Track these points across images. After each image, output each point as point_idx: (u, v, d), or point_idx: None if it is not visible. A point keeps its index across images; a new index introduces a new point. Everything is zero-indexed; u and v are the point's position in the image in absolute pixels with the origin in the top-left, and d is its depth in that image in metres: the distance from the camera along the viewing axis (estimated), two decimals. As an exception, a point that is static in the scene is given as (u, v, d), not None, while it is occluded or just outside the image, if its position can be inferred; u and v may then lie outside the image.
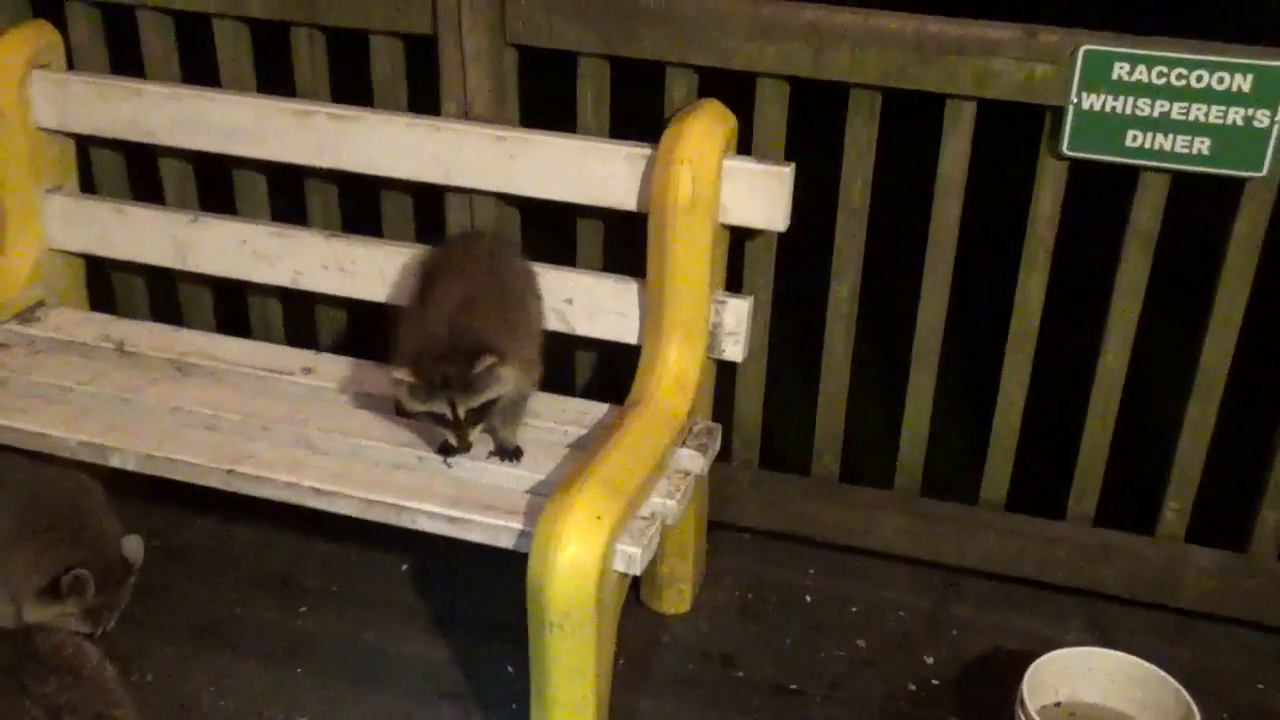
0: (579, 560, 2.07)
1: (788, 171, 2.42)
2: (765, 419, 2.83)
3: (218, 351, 2.74)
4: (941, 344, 2.65)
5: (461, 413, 2.25)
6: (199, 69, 2.84)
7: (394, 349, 2.33)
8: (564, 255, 2.70)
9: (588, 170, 2.53)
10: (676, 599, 2.75)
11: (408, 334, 2.32)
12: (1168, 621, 2.70)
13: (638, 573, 2.19)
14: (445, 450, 2.40)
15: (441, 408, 2.25)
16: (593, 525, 2.09)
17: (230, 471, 2.38)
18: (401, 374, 2.24)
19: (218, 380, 2.66)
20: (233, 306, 3.04)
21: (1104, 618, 2.72)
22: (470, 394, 2.24)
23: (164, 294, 3.07)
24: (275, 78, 2.80)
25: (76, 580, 2.46)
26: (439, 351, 2.24)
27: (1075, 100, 2.35)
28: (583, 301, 2.58)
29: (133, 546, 2.61)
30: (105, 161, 2.95)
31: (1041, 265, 2.52)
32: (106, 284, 3.05)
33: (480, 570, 2.81)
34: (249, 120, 2.67)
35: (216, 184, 2.92)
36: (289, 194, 2.89)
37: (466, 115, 2.64)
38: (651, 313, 2.49)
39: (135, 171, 2.99)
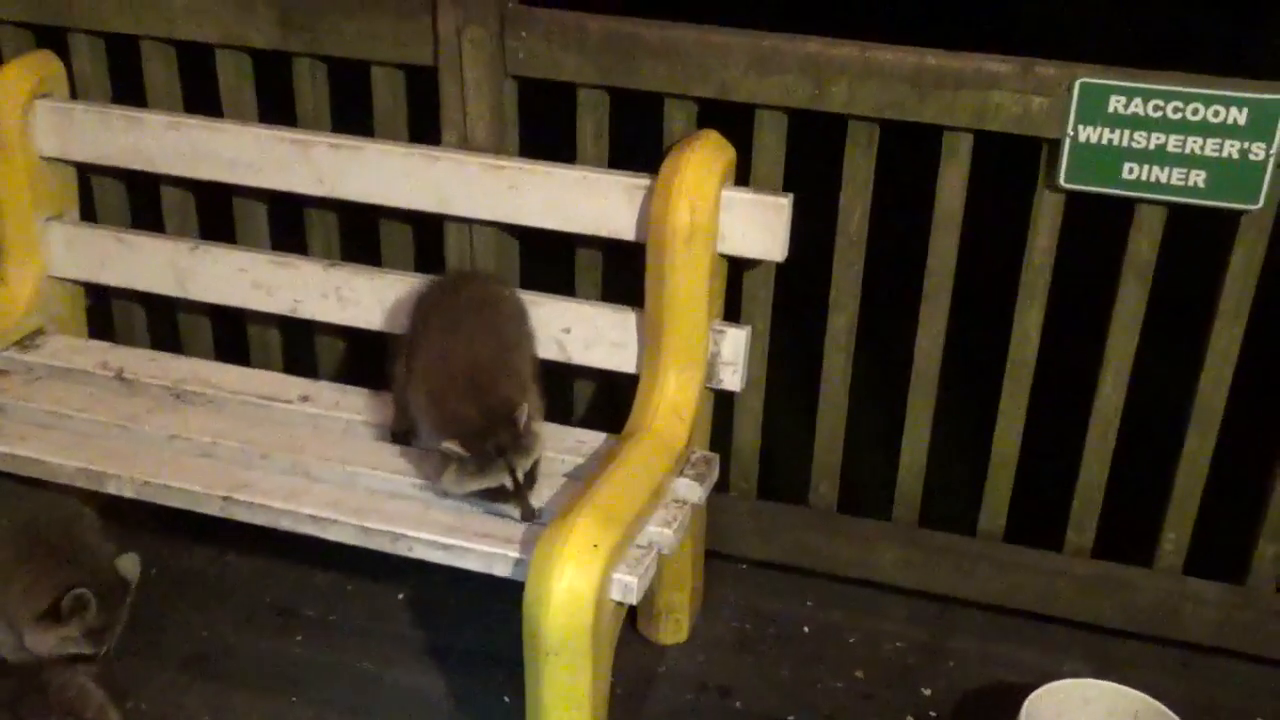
0: (575, 589, 2.07)
1: (786, 202, 2.43)
2: (763, 449, 2.83)
3: (216, 379, 2.74)
4: (940, 375, 2.65)
5: (521, 476, 2.24)
6: (201, 98, 2.86)
7: (396, 401, 2.39)
8: (563, 284, 2.72)
9: (587, 200, 2.54)
10: (674, 629, 2.74)
11: (428, 402, 2.32)
12: (1166, 654, 2.70)
13: (634, 602, 2.18)
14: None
15: (499, 478, 2.24)
16: (589, 554, 2.09)
17: (227, 499, 2.38)
18: (451, 447, 2.22)
19: (216, 408, 2.66)
20: (232, 334, 3.04)
21: (1102, 650, 2.71)
22: (525, 454, 2.24)
23: (163, 322, 3.08)
24: (277, 107, 2.82)
25: (78, 600, 2.42)
26: (479, 419, 2.23)
27: (1072, 133, 2.37)
28: (581, 331, 2.58)
29: (129, 565, 2.59)
30: (106, 190, 2.97)
31: (1039, 297, 2.53)
32: (106, 312, 3.06)
33: (477, 600, 2.81)
34: (250, 150, 2.69)
35: (217, 213, 2.94)
36: (289, 223, 2.90)
37: (466, 145, 2.65)
38: (649, 342, 2.49)
39: (136, 200, 3.00)
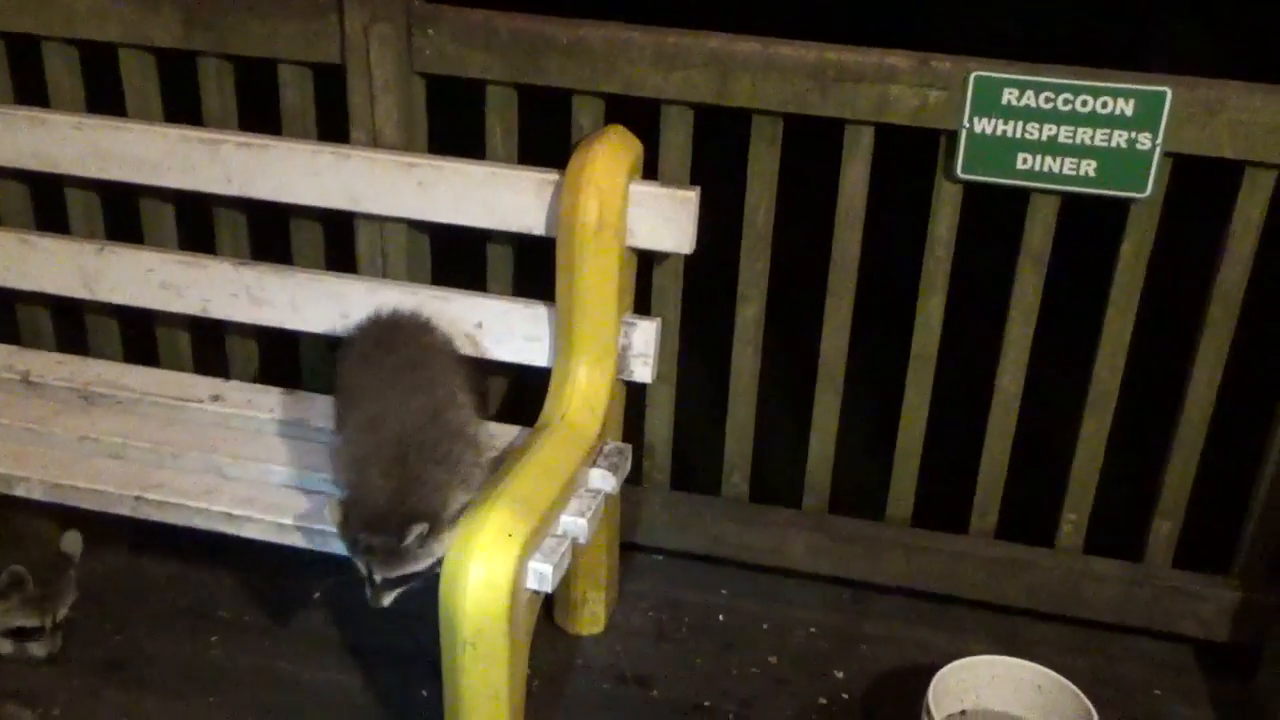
0: (491, 577, 2.09)
1: (693, 195, 2.47)
2: (677, 441, 2.87)
3: (125, 381, 2.72)
4: (847, 365, 2.71)
5: (378, 579, 2.15)
6: (106, 99, 2.84)
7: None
8: (475, 281, 2.73)
9: (496, 196, 2.56)
10: (590, 621, 2.76)
11: (341, 450, 2.26)
12: (1069, 632, 2.77)
13: (550, 590, 2.20)
14: None
15: (360, 564, 2.16)
16: (504, 543, 2.11)
17: (139, 499, 2.36)
18: (330, 512, 2.14)
19: (126, 410, 2.64)
20: (141, 336, 3.02)
21: (1008, 630, 2.78)
22: (394, 565, 2.13)
23: (70, 324, 3.04)
24: (183, 108, 2.80)
25: (12, 576, 2.49)
26: (369, 513, 2.11)
27: (967, 125, 2.44)
28: (493, 326, 2.60)
29: (71, 541, 2.63)
30: (10, 192, 2.93)
31: (940, 287, 2.59)
32: (10, 315, 3.02)
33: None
34: (156, 149, 2.67)
35: (124, 214, 2.91)
36: (198, 224, 2.89)
37: (376, 143, 2.66)
38: (561, 336, 2.52)
39: (40, 202, 2.96)
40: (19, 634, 2.57)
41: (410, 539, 2.09)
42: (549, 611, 2.75)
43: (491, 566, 2.09)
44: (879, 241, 2.68)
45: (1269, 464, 2.58)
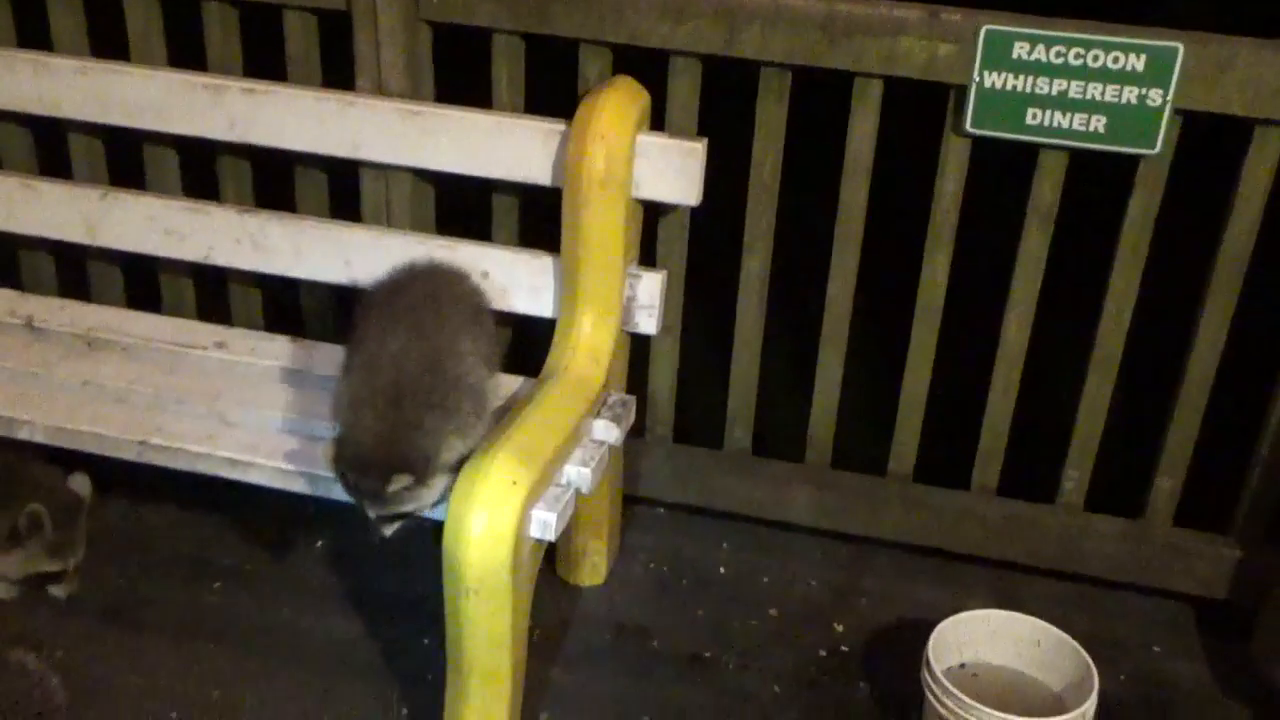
0: (494, 525, 2.09)
1: (699, 147, 2.46)
2: (680, 393, 2.86)
3: (129, 327, 2.71)
4: (852, 319, 2.71)
5: (371, 515, 2.17)
6: (108, 44, 2.82)
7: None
8: (480, 231, 2.72)
9: (502, 146, 2.54)
10: (591, 572, 2.77)
11: (342, 391, 2.24)
12: (1069, 589, 2.79)
13: (552, 538, 2.21)
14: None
15: (353, 500, 2.18)
16: (508, 491, 2.11)
17: (142, 443, 2.36)
18: (324, 450, 2.17)
19: (129, 355, 2.64)
20: (144, 283, 3.01)
21: (1008, 586, 2.79)
22: (382, 506, 2.15)
23: (73, 271, 3.04)
24: (187, 53, 2.79)
25: (31, 519, 2.49)
26: (356, 453, 2.13)
27: (977, 79, 2.42)
28: (498, 276, 2.59)
29: (80, 483, 2.64)
30: (12, 137, 2.91)
31: (946, 242, 2.59)
32: (13, 260, 3.01)
33: (395, 546, 2.80)
34: (160, 95, 2.65)
35: (127, 160, 2.90)
36: (201, 170, 2.87)
37: (381, 91, 2.64)
38: (566, 287, 2.51)
39: (43, 147, 2.95)
40: (42, 579, 2.59)
41: (393, 487, 2.11)
42: (550, 563, 2.76)
43: (494, 515, 2.09)
44: (886, 196, 2.67)
45: (1270, 424, 2.58)
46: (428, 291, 2.39)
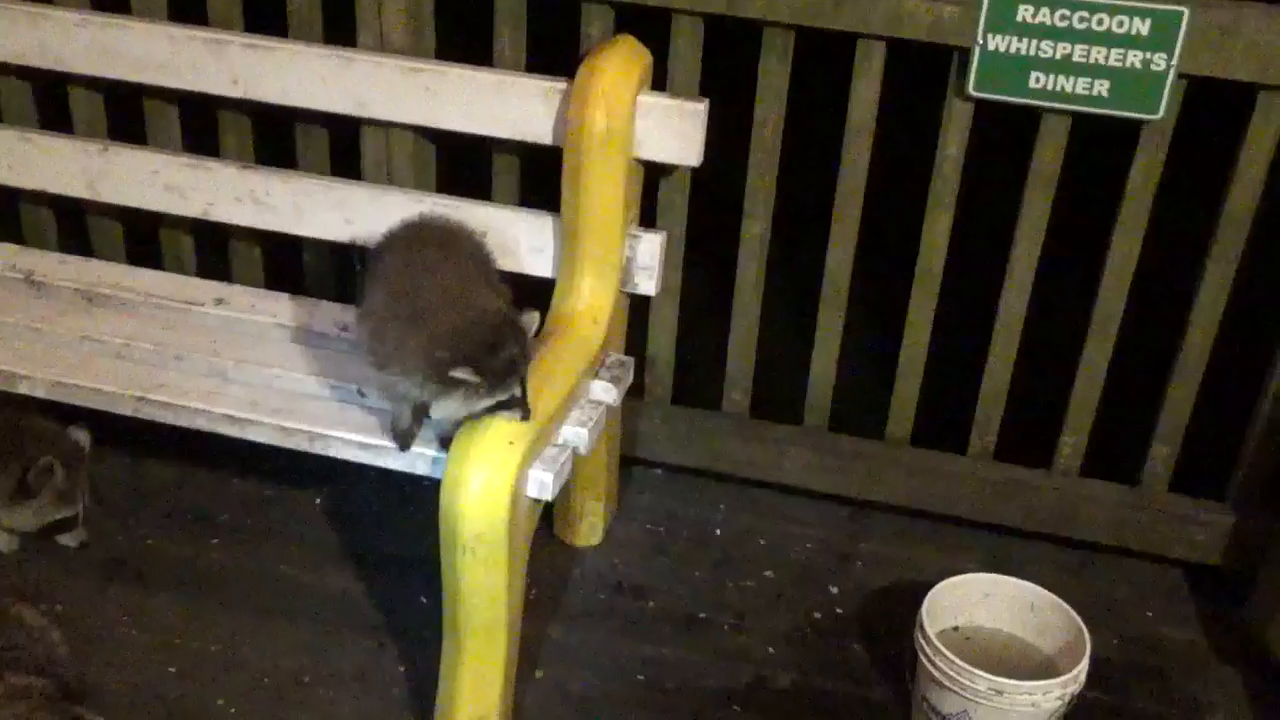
0: (492, 484, 2.10)
1: (701, 108, 2.45)
2: (679, 355, 2.87)
3: (129, 283, 2.72)
4: (853, 284, 2.70)
5: (527, 383, 2.15)
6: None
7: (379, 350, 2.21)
8: (482, 189, 2.72)
9: (504, 104, 2.53)
10: (589, 532, 2.79)
11: (404, 329, 2.15)
12: (1065, 554, 2.80)
13: (550, 498, 2.22)
14: (405, 440, 2.28)
15: (510, 390, 2.12)
16: (505, 450, 2.12)
17: (141, 399, 2.37)
18: (463, 373, 2.07)
19: (129, 311, 2.64)
20: (145, 238, 3.01)
21: (1004, 550, 2.80)
22: (529, 361, 2.15)
23: (74, 226, 3.03)
24: (189, 8, 2.77)
25: (42, 470, 2.53)
26: (486, 337, 2.09)
27: (981, 41, 2.41)
28: (498, 236, 2.58)
29: (79, 434, 2.66)
30: (12, 90, 2.90)
31: (947, 205, 2.58)
32: (14, 214, 3.01)
33: (394, 505, 2.84)
34: (161, 49, 2.64)
35: (128, 114, 2.89)
36: (203, 126, 2.87)
37: (383, 47, 2.63)
38: (566, 247, 2.51)
39: (43, 100, 2.94)
40: (53, 528, 2.62)
41: (533, 326, 2.17)
42: (548, 523, 2.78)
43: (492, 474, 2.10)
44: (889, 160, 2.66)
45: (1268, 392, 2.59)
46: (449, 233, 2.39)
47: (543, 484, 2.19)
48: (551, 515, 2.77)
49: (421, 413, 2.24)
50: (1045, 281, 2.63)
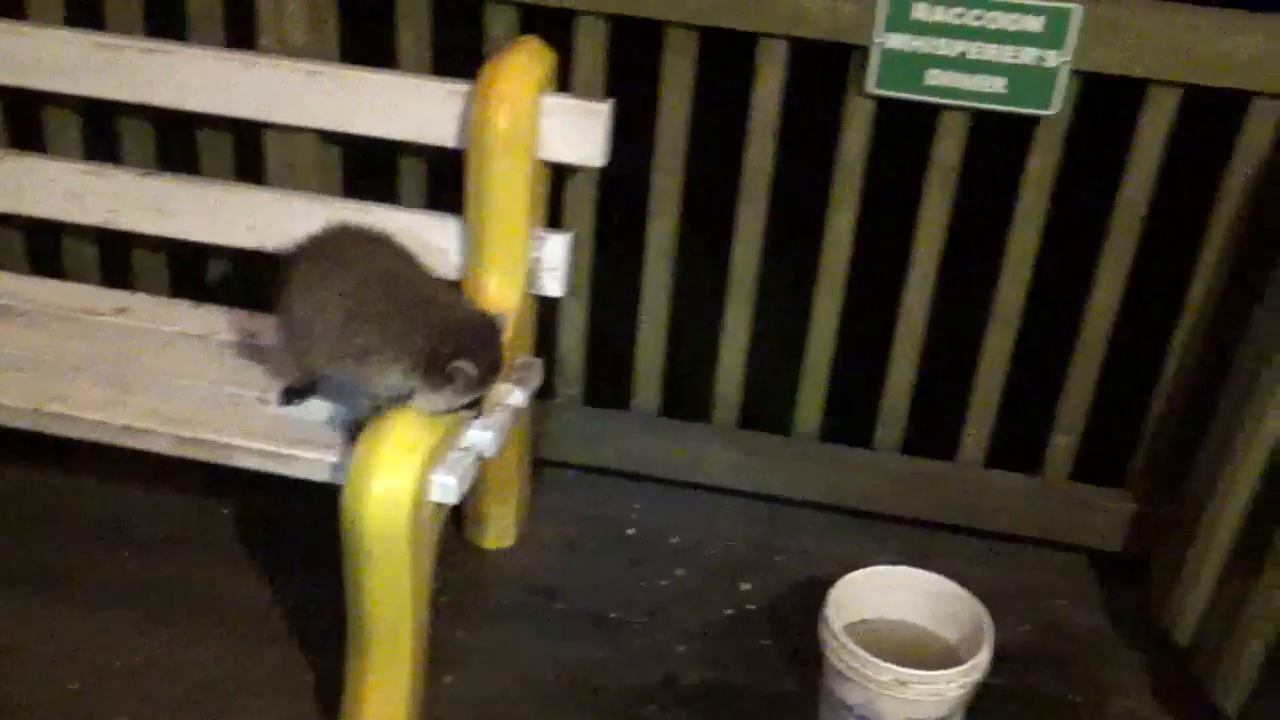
0: (392, 490, 2.09)
1: (605, 108, 2.45)
2: (592, 355, 2.87)
3: (28, 293, 2.68)
4: (764, 281, 2.72)
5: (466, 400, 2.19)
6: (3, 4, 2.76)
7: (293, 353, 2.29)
8: (387, 192, 2.71)
9: (406, 107, 2.52)
10: (500, 535, 2.78)
11: (378, 327, 2.18)
12: (974, 544, 2.84)
13: (454, 502, 2.21)
14: (291, 396, 2.38)
15: (489, 388, 2.20)
16: (406, 455, 2.11)
17: (37, 411, 2.33)
18: (464, 366, 2.12)
19: (28, 321, 2.60)
20: (45, 247, 2.97)
21: (918, 542, 2.83)
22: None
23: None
24: (85, 13, 2.73)
25: None
26: (482, 334, 2.18)
27: (880, 40, 2.43)
28: (404, 238, 2.56)
29: None
30: (-94, 98, 2.85)
31: (850, 203, 2.60)
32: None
33: (302, 512, 2.79)
34: (57, 54, 2.60)
35: (27, 121, 2.84)
36: (103, 132, 2.83)
37: (284, 50, 2.61)
38: (470, 249, 2.51)
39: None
40: None
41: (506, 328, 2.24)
42: (459, 526, 2.77)
43: (393, 479, 2.10)
44: (795, 158, 2.68)
45: (1164, 380, 2.64)
46: (381, 236, 2.40)
47: (446, 488, 2.18)
48: (462, 518, 2.76)
49: (381, 409, 2.23)
50: (948, 276, 2.66)
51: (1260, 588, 2.29)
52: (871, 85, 2.47)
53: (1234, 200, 2.47)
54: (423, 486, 2.14)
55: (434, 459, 2.17)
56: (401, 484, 2.10)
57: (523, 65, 2.43)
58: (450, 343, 2.14)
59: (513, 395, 2.45)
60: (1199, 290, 2.56)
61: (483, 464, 2.34)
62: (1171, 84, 2.40)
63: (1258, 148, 2.41)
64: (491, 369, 2.18)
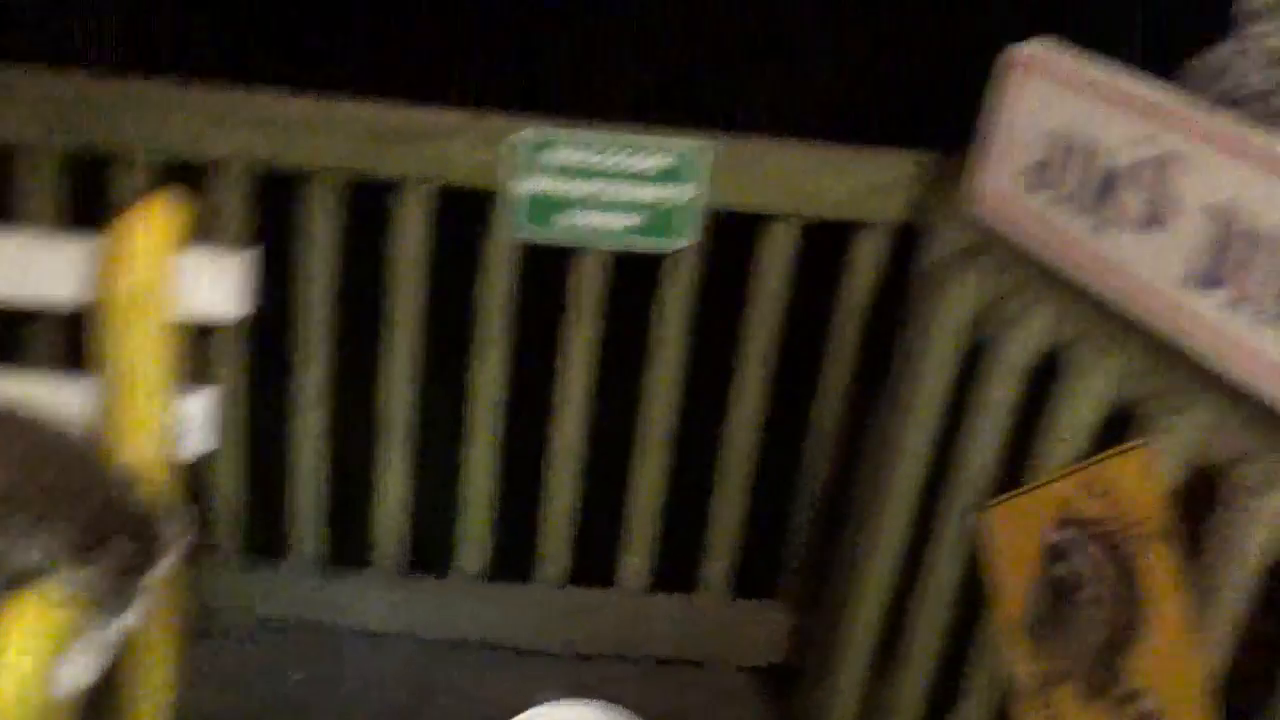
0: (14, 677, 1.96)
1: (241, 260, 2.41)
2: (252, 503, 2.80)
3: None
4: (408, 422, 2.72)
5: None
6: None
7: None
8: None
9: (31, 266, 2.41)
10: (152, 712, 2.63)
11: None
12: (637, 670, 2.88)
13: (86, 685, 2.09)
14: None
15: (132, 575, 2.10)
16: (33, 640, 1.98)
17: None
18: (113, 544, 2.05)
19: None
20: None
21: (583, 674, 2.84)
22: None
23: None
24: None
25: None
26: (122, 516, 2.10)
27: (516, 183, 2.50)
28: (37, 403, 2.45)
29: None
30: None
31: (496, 344, 2.64)
32: None
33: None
34: None
35: None
36: None
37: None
38: (106, 411, 2.41)
39: None
40: None
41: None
42: (107, 709, 2.61)
43: (16, 665, 1.97)
44: (451, 299, 2.71)
45: (803, 493, 2.78)
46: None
47: (75, 674, 2.06)
48: (110, 699, 2.61)
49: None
50: (604, 405, 2.73)
51: (894, 686, 2.40)
52: (511, 230, 2.53)
53: (849, 320, 2.63)
54: (49, 673, 2.01)
55: (63, 643, 2.05)
56: (22, 673, 1.97)
57: (153, 222, 2.36)
58: (96, 523, 2.04)
59: (157, 568, 2.35)
60: (824, 407, 2.70)
61: (127, 640, 2.23)
62: (791, 217, 2.55)
63: (863, 275, 2.59)
64: (140, 552, 2.08)
